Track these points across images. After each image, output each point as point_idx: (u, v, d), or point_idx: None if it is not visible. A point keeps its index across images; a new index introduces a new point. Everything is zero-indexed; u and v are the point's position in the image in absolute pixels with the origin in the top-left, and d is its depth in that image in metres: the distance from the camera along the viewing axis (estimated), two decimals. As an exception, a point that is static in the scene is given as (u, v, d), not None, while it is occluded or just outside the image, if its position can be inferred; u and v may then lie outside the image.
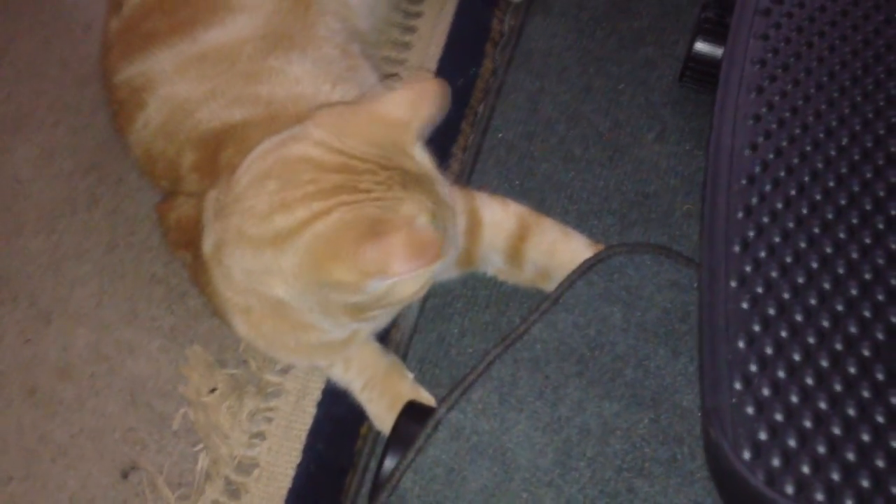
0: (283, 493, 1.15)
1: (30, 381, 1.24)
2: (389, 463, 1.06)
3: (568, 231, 1.21)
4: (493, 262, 1.22)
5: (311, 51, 1.20)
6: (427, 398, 1.14)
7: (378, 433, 1.16)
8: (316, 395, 1.21)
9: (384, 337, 1.21)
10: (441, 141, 1.28)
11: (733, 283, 0.81)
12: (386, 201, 0.95)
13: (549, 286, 1.21)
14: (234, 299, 1.03)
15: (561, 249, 1.20)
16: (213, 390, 1.21)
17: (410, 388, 1.15)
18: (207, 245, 1.04)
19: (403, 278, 0.93)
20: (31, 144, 1.44)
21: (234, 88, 1.14)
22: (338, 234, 0.92)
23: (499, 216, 1.18)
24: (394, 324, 1.22)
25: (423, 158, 1.00)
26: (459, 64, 1.49)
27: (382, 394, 1.14)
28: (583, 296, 1.13)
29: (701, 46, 1.31)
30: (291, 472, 1.16)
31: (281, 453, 1.18)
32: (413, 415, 1.10)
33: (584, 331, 1.11)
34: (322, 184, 0.94)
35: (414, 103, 0.98)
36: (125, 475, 1.18)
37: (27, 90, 1.50)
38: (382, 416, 1.14)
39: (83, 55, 1.52)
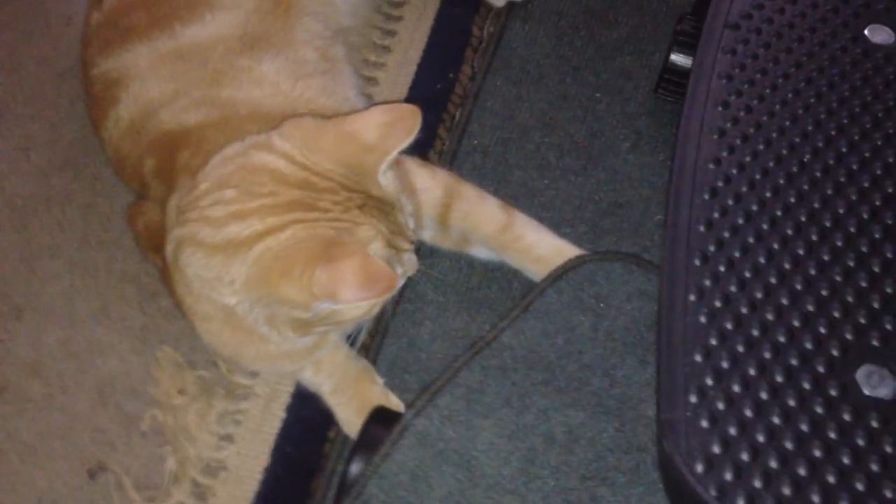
0: (251, 496, 1.15)
1: (-1, 379, 1.24)
2: (356, 468, 1.07)
3: (483, 196, 1.24)
4: (427, 228, 1.24)
5: (288, 52, 1.20)
6: (396, 403, 1.15)
7: (346, 437, 1.16)
8: (285, 398, 1.21)
9: (354, 341, 1.21)
10: (417, 145, 1.29)
11: (692, 297, 0.82)
12: (342, 223, 0.95)
13: (472, 250, 1.26)
14: (194, 306, 1.04)
15: (476, 212, 1.22)
16: (182, 392, 1.21)
17: (380, 393, 1.15)
18: (168, 250, 1.04)
19: (350, 306, 0.93)
20: (6, 139, 1.43)
21: (197, 90, 1.13)
22: (289, 251, 0.92)
23: (428, 184, 1.20)
24: (364, 328, 1.23)
25: (388, 184, 1.00)
26: (438, 68, 1.49)
27: (352, 398, 1.15)
28: (553, 304, 1.14)
29: (676, 58, 1.32)
30: (259, 475, 1.17)
31: (249, 456, 1.18)
32: (380, 420, 1.10)
33: (553, 339, 1.12)
34: (280, 197, 0.94)
35: (388, 129, 0.97)
36: (93, 475, 1.18)
37: (5, 84, 1.49)
38: (351, 421, 1.14)
39: (63, 49, 1.52)
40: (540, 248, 1.22)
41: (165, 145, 1.11)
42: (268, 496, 1.15)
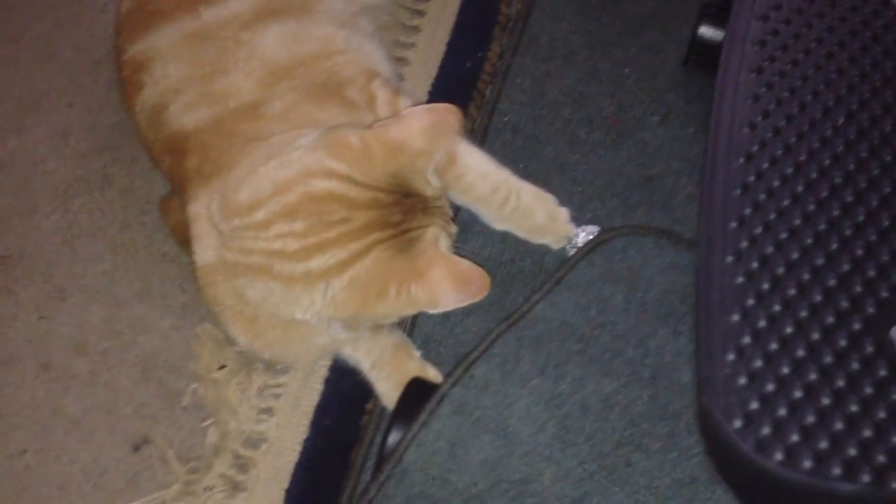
0: (291, 466, 1.17)
1: (44, 357, 1.27)
2: (394, 437, 1.08)
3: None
4: None
5: (304, 20, 1.21)
6: (434, 375, 1.16)
7: (384, 409, 1.18)
8: (323, 372, 1.23)
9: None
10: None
11: (729, 259, 0.83)
12: (414, 231, 0.98)
13: None
14: (236, 307, 1.05)
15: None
16: (222, 367, 1.24)
17: (418, 367, 1.17)
18: (206, 256, 1.06)
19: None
20: (45, 125, 1.47)
21: (197, 82, 1.14)
22: (379, 274, 0.95)
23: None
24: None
25: (435, 181, 1.02)
26: (467, 47, 1.50)
27: (391, 374, 1.16)
28: (585, 276, 1.15)
29: (705, 31, 1.31)
30: (298, 447, 1.19)
31: (288, 428, 1.20)
32: (418, 391, 1.12)
33: (586, 311, 1.12)
34: (354, 223, 0.96)
35: (432, 133, 0.98)
36: (136, 448, 1.20)
37: (42, 71, 1.52)
38: (390, 394, 1.16)
39: (98, 37, 1.54)
40: (479, 189, 1.22)
41: (174, 148, 1.13)
42: (307, 467, 1.17)
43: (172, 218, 1.23)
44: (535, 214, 1.23)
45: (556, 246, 1.24)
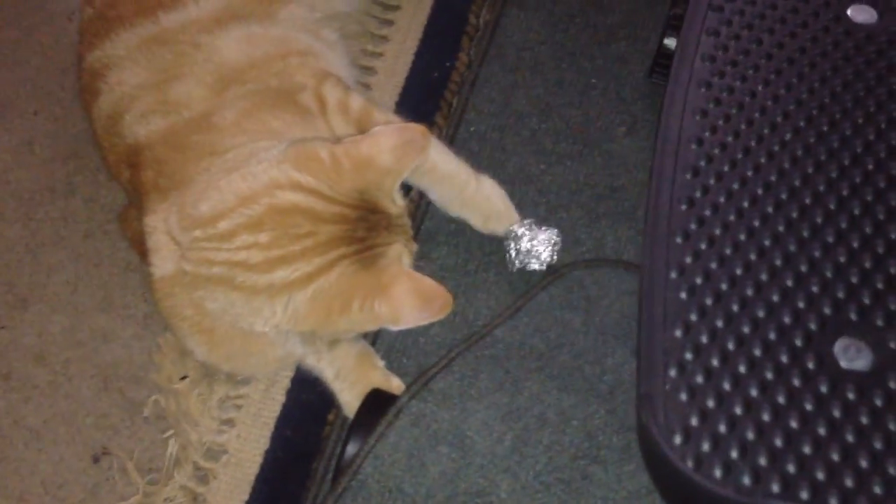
0: (251, 478, 1.17)
1: (5, 367, 1.27)
2: (352, 449, 1.08)
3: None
4: None
5: (265, 24, 1.21)
6: (397, 386, 1.16)
7: (345, 419, 1.18)
8: (285, 383, 1.23)
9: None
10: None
11: (673, 274, 0.83)
12: (378, 248, 0.98)
13: None
14: (194, 318, 1.05)
15: None
16: (183, 377, 1.24)
17: (382, 377, 1.17)
18: (162, 269, 1.06)
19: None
20: (10, 132, 1.46)
21: (153, 89, 1.14)
22: (343, 289, 0.96)
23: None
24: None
25: (399, 200, 1.03)
26: (435, 57, 1.51)
27: (354, 383, 1.16)
28: (544, 304, 1.16)
29: (670, 42, 1.32)
30: (259, 458, 1.18)
31: (249, 440, 1.20)
32: (376, 402, 1.12)
33: (545, 333, 1.13)
34: (320, 237, 0.96)
35: (401, 151, 0.99)
36: (96, 460, 1.20)
37: (8, 78, 1.52)
38: (353, 404, 1.15)
39: (65, 44, 1.54)
40: (442, 169, 1.23)
41: (130, 159, 1.13)
42: (268, 478, 1.17)
43: (130, 229, 1.22)
44: (493, 199, 1.24)
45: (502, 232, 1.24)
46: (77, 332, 1.29)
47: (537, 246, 1.21)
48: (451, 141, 1.41)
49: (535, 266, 1.22)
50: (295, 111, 1.12)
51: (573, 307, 1.14)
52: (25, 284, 1.33)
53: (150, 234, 1.07)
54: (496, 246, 1.29)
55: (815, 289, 0.82)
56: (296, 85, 1.15)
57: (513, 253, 1.23)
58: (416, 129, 1.00)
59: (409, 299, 0.95)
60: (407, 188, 1.22)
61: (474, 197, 1.24)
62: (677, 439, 0.74)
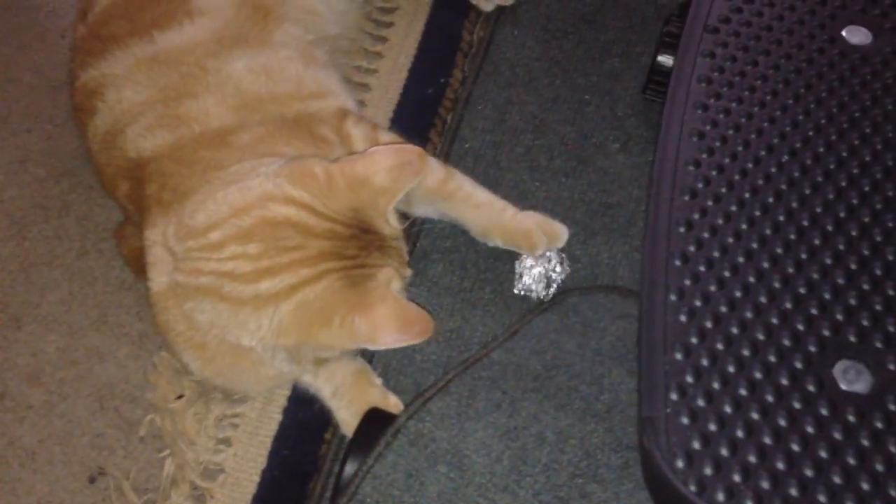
0: (248, 498, 1.16)
1: (-1, 386, 1.26)
2: (350, 468, 1.08)
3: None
4: None
5: (267, 53, 1.22)
6: (395, 404, 1.16)
7: (342, 438, 1.18)
8: (281, 401, 1.23)
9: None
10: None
11: (672, 297, 0.84)
12: (368, 268, 0.98)
13: (414, 209, 1.29)
14: (187, 333, 1.05)
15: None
16: (179, 396, 1.23)
17: (379, 395, 1.17)
18: (159, 283, 1.05)
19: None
20: (3, 150, 1.46)
21: (160, 104, 1.14)
22: (326, 302, 0.95)
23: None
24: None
25: (394, 222, 1.03)
26: (429, 73, 1.51)
27: (352, 402, 1.16)
28: (540, 328, 1.17)
29: (663, 59, 1.33)
30: (256, 478, 1.18)
31: (246, 459, 1.20)
32: (374, 422, 1.12)
33: (541, 355, 1.14)
34: (309, 250, 0.96)
35: (397, 172, 0.99)
36: (92, 480, 1.19)
37: (1, 95, 1.51)
38: (350, 423, 1.15)
39: (58, 62, 1.54)
40: (478, 197, 1.26)
41: (132, 173, 1.13)
42: (265, 498, 1.17)
43: (126, 246, 1.22)
44: (527, 223, 1.26)
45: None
46: (71, 352, 1.28)
47: (539, 281, 1.24)
48: (446, 158, 1.41)
49: (534, 297, 1.24)
50: (311, 141, 1.12)
51: (569, 330, 1.15)
52: (19, 303, 1.32)
53: (149, 248, 1.07)
54: (491, 263, 1.29)
55: (814, 311, 0.82)
56: (315, 119, 1.17)
57: (524, 279, 1.25)
58: (413, 150, 1.00)
59: (390, 321, 0.95)
60: (413, 242, 1.24)
61: (513, 220, 1.26)
62: (680, 463, 0.74)
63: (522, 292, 1.26)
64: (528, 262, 1.25)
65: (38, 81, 1.53)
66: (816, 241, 0.86)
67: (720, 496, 0.73)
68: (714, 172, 0.91)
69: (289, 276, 0.95)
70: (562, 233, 1.27)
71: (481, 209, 1.27)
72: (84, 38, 1.26)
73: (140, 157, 1.12)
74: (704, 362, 0.80)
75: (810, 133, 0.93)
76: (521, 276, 1.26)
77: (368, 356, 1.24)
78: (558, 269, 1.24)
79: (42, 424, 1.23)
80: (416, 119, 1.46)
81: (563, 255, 1.26)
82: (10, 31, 1.58)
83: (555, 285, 1.25)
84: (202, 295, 0.99)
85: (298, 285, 0.95)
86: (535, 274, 1.24)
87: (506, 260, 1.29)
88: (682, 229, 0.87)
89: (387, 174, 0.98)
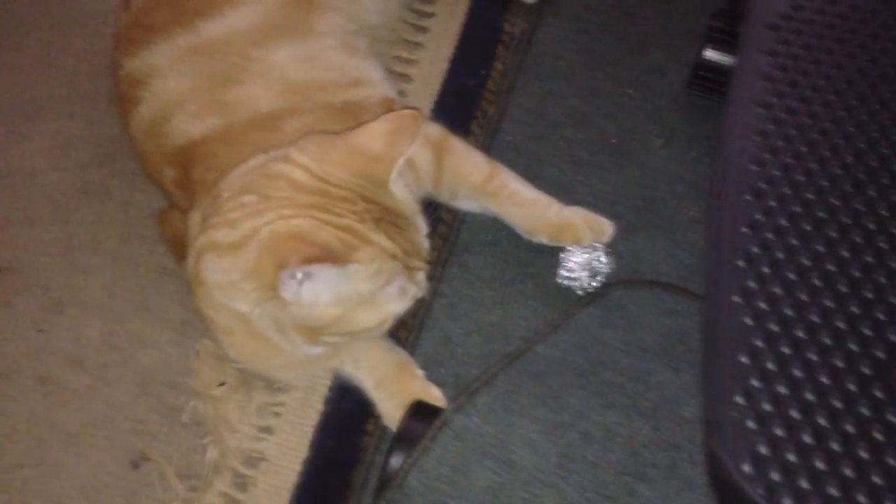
0: (290, 486, 1.17)
1: (42, 370, 1.26)
2: (396, 461, 1.09)
3: (469, 148, 1.28)
4: (422, 188, 1.27)
5: (311, 42, 1.22)
6: (437, 396, 1.16)
7: (384, 429, 1.18)
8: (323, 391, 1.23)
9: (391, 335, 1.22)
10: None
11: (737, 298, 0.83)
12: (354, 234, 0.97)
13: (459, 203, 1.31)
14: (216, 319, 1.07)
15: (463, 165, 1.27)
16: (222, 384, 1.23)
17: (421, 387, 1.17)
18: (190, 264, 1.06)
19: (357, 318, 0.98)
20: (45, 135, 1.46)
21: (206, 91, 1.15)
22: (290, 236, 0.95)
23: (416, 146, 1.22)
24: (401, 323, 1.24)
25: (403, 195, 1.03)
26: (470, 65, 1.50)
27: (394, 393, 1.17)
28: (583, 323, 1.17)
29: (710, 54, 1.32)
30: (298, 467, 1.18)
31: (288, 448, 1.20)
32: (419, 415, 1.12)
33: (586, 351, 1.15)
34: (297, 199, 0.97)
35: (392, 137, 1.00)
36: (135, 465, 1.20)
37: (43, 80, 1.51)
38: (392, 414, 1.16)
39: (99, 47, 1.53)
40: (523, 195, 1.27)
41: (179, 159, 1.14)
42: (307, 487, 1.17)
43: (170, 232, 1.22)
44: (572, 218, 1.26)
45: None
46: (114, 337, 1.28)
47: (584, 269, 1.23)
48: (488, 150, 1.41)
49: (577, 287, 1.24)
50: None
51: (613, 325, 1.15)
52: (62, 288, 1.32)
53: (191, 229, 1.08)
54: (533, 257, 1.29)
55: (881, 316, 0.82)
56: (362, 108, 1.18)
57: (569, 266, 1.25)
58: (408, 114, 1.01)
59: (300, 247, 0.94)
60: (433, 207, 1.24)
61: (559, 215, 1.26)
62: (747, 468, 0.74)
63: (566, 282, 1.25)
64: (574, 249, 1.24)
65: (80, 66, 1.52)
66: (882, 245, 0.85)
67: (788, 502, 0.73)
68: (778, 172, 0.90)
69: (270, 214, 0.96)
70: (607, 228, 1.26)
71: (526, 208, 1.27)
72: (127, 27, 1.26)
73: (189, 141, 1.13)
74: (771, 365, 0.80)
75: (875, 134, 0.92)
76: (565, 264, 1.25)
77: (409, 350, 1.24)
78: (604, 259, 1.24)
79: (85, 409, 1.23)
80: (457, 110, 1.45)
81: (609, 249, 1.26)
82: (50, 16, 1.58)
83: (599, 276, 1.24)
84: (205, 251, 1.01)
85: (275, 219, 0.96)
86: (581, 261, 1.24)
87: (547, 253, 1.28)
88: (744, 229, 0.87)
89: (380, 139, 0.99)
